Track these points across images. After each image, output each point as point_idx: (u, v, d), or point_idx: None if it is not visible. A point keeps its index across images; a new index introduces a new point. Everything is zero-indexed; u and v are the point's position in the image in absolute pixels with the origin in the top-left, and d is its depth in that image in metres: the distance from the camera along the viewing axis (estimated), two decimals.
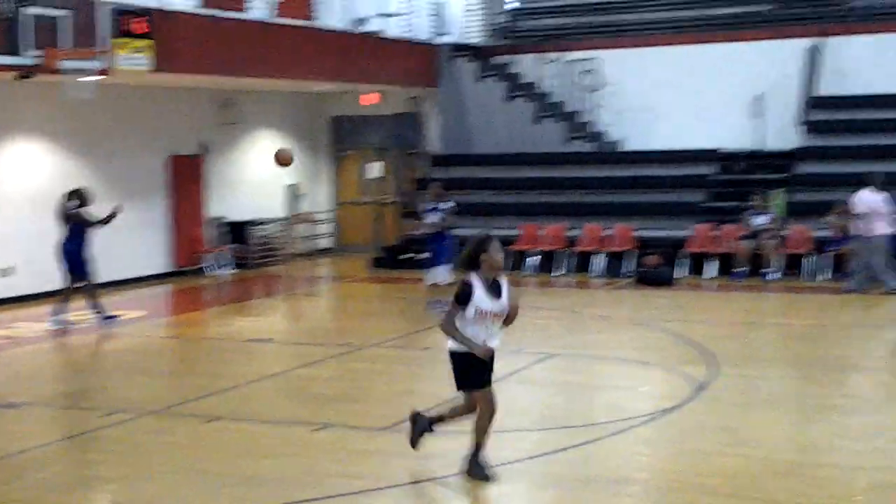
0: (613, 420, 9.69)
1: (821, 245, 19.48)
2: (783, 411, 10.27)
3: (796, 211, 20.37)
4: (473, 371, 7.93)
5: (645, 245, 20.38)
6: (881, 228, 17.60)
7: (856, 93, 22.50)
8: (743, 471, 8.14)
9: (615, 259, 20.59)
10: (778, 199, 20.41)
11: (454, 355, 7.99)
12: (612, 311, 17.01)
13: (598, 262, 20.64)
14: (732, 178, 22.13)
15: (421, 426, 8.40)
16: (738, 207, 20.33)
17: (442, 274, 16.12)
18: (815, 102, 22.42)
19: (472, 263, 7.89)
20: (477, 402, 7.99)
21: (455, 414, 8.25)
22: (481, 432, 8.00)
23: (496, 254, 7.87)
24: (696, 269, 19.95)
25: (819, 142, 22.12)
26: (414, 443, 8.43)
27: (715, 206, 21.35)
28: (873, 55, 22.54)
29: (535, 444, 9.13)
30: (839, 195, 19.57)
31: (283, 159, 13.59)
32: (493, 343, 7.96)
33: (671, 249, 20.09)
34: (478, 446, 8.03)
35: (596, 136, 24.30)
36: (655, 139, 23.48)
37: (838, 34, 22.94)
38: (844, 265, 18.88)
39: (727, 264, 19.73)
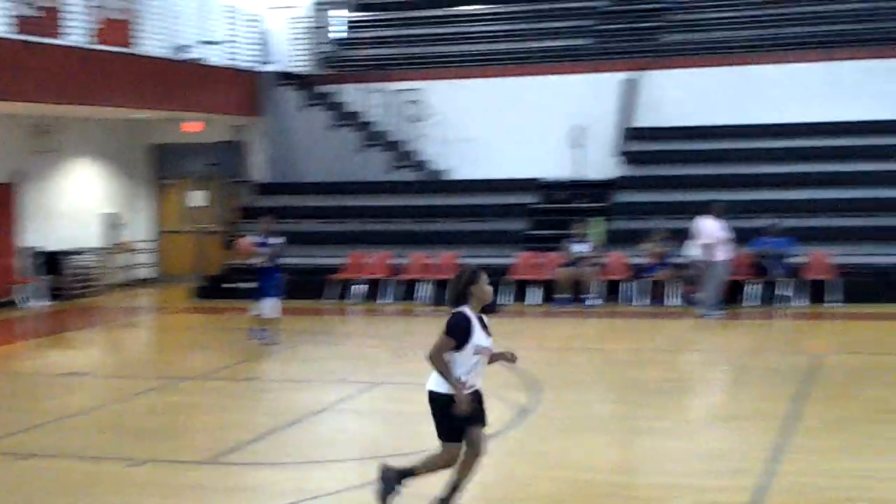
0: (437, 448, 9.65)
1: (638, 271, 20.02)
2: (604, 434, 10.45)
3: (615, 239, 20.90)
4: (458, 417, 7.31)
5: None
6: (721, 254, 18.22)
7: (670, 125, 23.28)
8: (562, 494, 8.23)
9: (441, 287, 20.68)
10: (597, 227, 20.91)
11: (437, 398, 7.35)
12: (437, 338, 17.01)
13: (424, 290, 20.72)
14: (554, 206, 22.56)
15: (388, 483, 7.60)
16: (559, 235, 20.73)
17: (270, 308, 15.59)
18: (632, 134, 23.11)
19: (460, 297, 7.41)
20: (448, 452, 7.40)
21: (431, 467, 7.56)
22: (463, 476, 7.46)
23: (486, 286, 7.47)
24: (520, 295, 20.23)
25: (636, 172, 22.79)
26: (383, 501, 7.59)
27: (537, 234, 21.73)
28: (686, 89, 23.37)
29: (360, 474, 9.02)
30: (656, 223, 20.26)
31: None
32: (479, 382, 7.48)
33: (495, 277, 20.25)
34: (454, 489, 7.46)
35: (421, 166, 24.47)
36: (479, 169, 23.77)
37: (653, 68, 23.73)
38: (660, 291, 19.47)
39: (550, 291, 20.07)
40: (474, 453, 7.43)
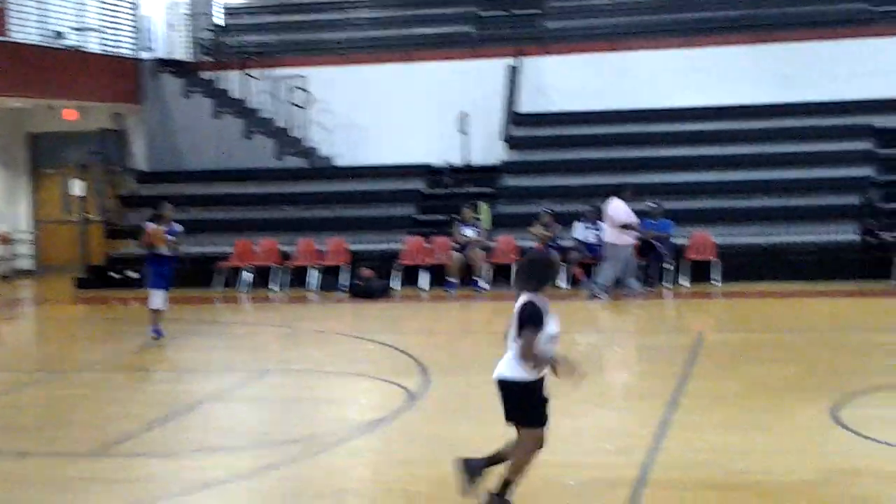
0: (328, 433, 9.66)
1: (526, 254, 20.18)
2: (494, 417, 10.50)
3: (502, 223, 21.08)
4: (542, 404, 7.15)
5: (359, 259, 20.54)
6: (630, 237, 18.51)
7: (554, 110, 23.54)
8: (452, 477, 8.27)
9: (330, 273, 20.63)
10: (485, 211, 21.06)
11: (524, 386, 7.03)
12: (327, 324, 17.00)
13: (314, 277, 20.63)
14: (441, 191, 22.66)
15: (472, 472, 7.33)
16: (447, 220, 20.83)
17: (159, 300, 15.10)
18: (517, 119, 23.32)
19: (537, 283, 7.09)
20: (534, 438, 7.16)
21: (523, 460, 7.22)
22: (518, 470, 7.19)
23: (556, 271, 7.30)
24: (410, 280, 20.27)
25: (521, 156, 23.02)
26: (471, 485, 7.31)
27: (426, 220, 21.81)
28: (569, 74, 23.66)
29: (250, 461, 8.97)
30: (542, 207, 20.49)
31: None
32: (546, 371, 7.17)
33: (385, 262, 20.34)
34: (507, 484, 7.18)
35: (308, 152, 24.33)
36: (366, 155, 23.76)
37: (536, 54, 23.96)
38: None
39: (440, 275, 20.16)
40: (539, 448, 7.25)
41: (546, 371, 7.07)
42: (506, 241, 20.52)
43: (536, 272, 7.15)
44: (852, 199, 20.37)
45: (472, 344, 15.47)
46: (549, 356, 6.98)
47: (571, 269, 19.69)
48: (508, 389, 7.07)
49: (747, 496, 7.45)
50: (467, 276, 19.93)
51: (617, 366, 13.38)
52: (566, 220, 20.10)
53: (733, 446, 8.76)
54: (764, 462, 8.26)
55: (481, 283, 19.86)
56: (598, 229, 19.68)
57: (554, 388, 11.36)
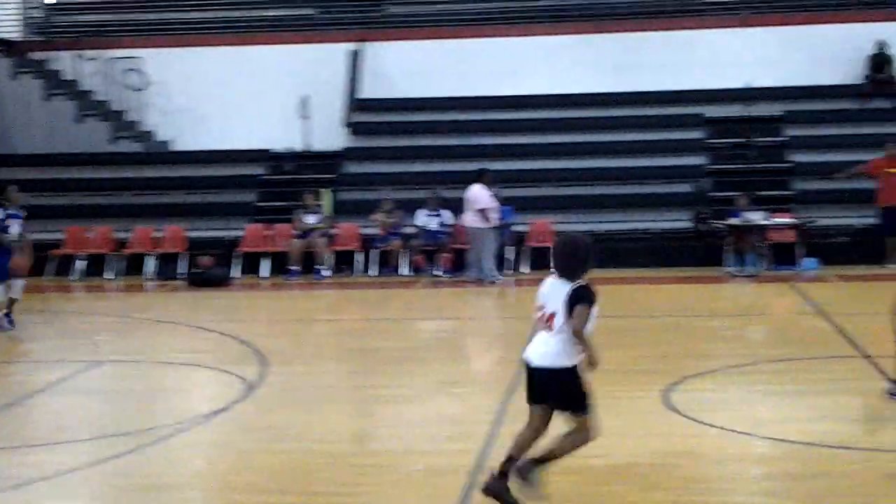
0: (164, 425, 9.43)
1: (368, 242, 20.16)
2: (334, 405, 10.46)
3: (344, 210, 20.98)
4: (588, 388, 6.95)
5: (198, 246, 20.15)
6: (493, 222, 18.64)
7: (397, 96, 23.52)
8: (287, 466, 8.18)
9: (168, 261, 20.19)
10: (327, 198, 20.91)
11: (572, 371, 6.88)
12: (165, 313, 16.63)
13: (151, 265, 20.15)
14: (283, 178, 22.41)
15: (527, 476, 6.94)
16: (289, 207, 20.60)
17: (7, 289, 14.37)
18: (359, 105, 23.22)
19: (580, 268, 6.96)
20: (585, 424, 6.98)
21: (574, 445, 7.01)
22: (563, 451, 7.01)
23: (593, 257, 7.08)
24: (251, 268, 20.00)
25: (363, 143, 22.93)
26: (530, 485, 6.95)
27: (267, 206, 21.54)
28: (411, 60, 23.66)
29: (85, 454, 8.68)
30: (384, 193, 20.48)
31: None
32: None
33: (225, 250, 20.01)
34: (545, 460, 6.94)
35: (144, 136, 23.74)
36: (205, 139, 23.31)
37: (378, 40, 23.88)
38: (392, 260, 19.73)
39: (281, 263, 19.93)
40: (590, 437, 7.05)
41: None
42: (348, 229, 20.42)
43: (574, 259, 6.99)
44: (685, 188, 20.95)
45: (315, 332, 15.35)
46: (590, 342, 6.85)
47: (413, 257, 19.74)
48: (558, 377, 6.88)
49: (582, 480, 7.56)
50: (309, 264, 19.77)
51: (459, 352, 13.45)
52: (409, 207, 20.12)
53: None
54: (598, 446, 8.36)
55: (323, 271, 19.72)
56: (440, 216, 19.79)
57: (398, 377, 11.39)
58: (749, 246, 18.94)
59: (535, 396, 6.98)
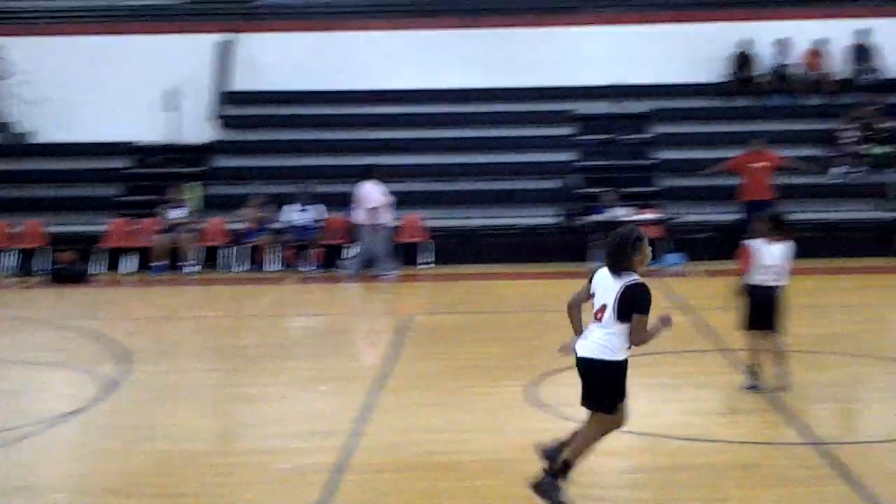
0: (23, 425, 9.11)
1: (237, 237, 19.87)
2: (197, 404, 10.26)
3: (212, 204, 20.64)
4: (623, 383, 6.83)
5: (58, 241, 19.59)
6: (384, 218, 18.51)
7: (267, 88, 23.23)
8: (150, 467, 7.99)
9: (27, 256, 19.60)
10: (194, 192, 20.53)
11: (617, 365, 6.75)
12: (23, 311, 16.15)
13: (9, 260, 19.53)
14: (148, 171, 21.95)
15: (551, 489, 6.79)
16: (154, 201, 20.18)
17: None
18: (229, 97, 22.87)
19: (629, 262, 6.77)
20: (612, 421, 6.84)
21: (593, 439, 6.88)
22: (582, 452, 6.88)
23: (648, 247, 6.86)
24: (114, 264, 19.53)
25: (233, 136, 22.61)
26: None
27: (131, 200, 21.08)
28: (283, 52, 23.41)
29: None
30: (253, 188, 20.22)
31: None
32: None
33: (86, 245, 19.49)
34: (568, 465, 6.82)
35: (2, 127, 22.99)
36: (67, 131, 22.65)
37: (249, 31, 23.56)
38: (260, 256, 19.49)
39: (145, 259, 19.50)
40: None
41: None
42: (216, 223, 20.08)
43: (622, 252, 6.80)
44: (554, 184, 21.15)
45: (180, 329, 15.04)
46: (654, 333, 6.74)
47: (283, 252, 19.53)
48: (599, 370, 6.74)
49: (444, 476, 7.54)
50: (175, 260, 19.39)
51: (325, 349, 13.32)
52: (279, 202, 19.90)
53: (434, 427, 8.87)
54: (462, 442, 8.40)
55: (189, 267, 19.36)
56: (310, 211, 19.64)
57: (263, 375, 11.22)
58: None
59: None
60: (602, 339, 6.75)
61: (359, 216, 18.72)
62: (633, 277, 6.74)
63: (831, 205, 20.35)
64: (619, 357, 6.74)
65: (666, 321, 6.81)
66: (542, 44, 23.48)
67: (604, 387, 6.76)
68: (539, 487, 6.81)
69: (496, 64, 23.25)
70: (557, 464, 6.84)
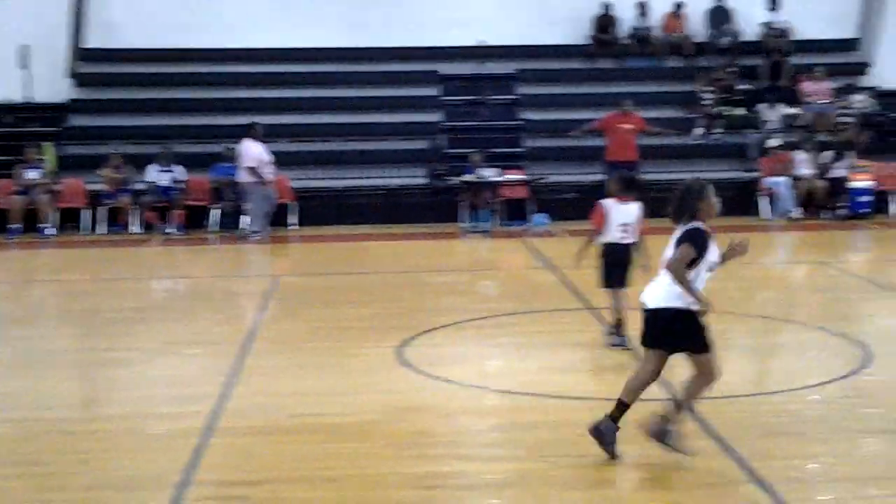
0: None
1: (96, 198, 19.39)
2: (59, 370, 10.00)
3: (69, 164, 20.08)
4: (705, 328, 6.69)
5: None
6: (266, 177, 18.37)
7: (125, 46, 22.64)
8: (10, 436, 7.77)
9: None
10: (49, 152, 19.95)
11: (682, 314, 6.63)
12: None
13: None
14: (2, 131, 21.22)
15: (662, 431, 6.81)
16: (9, 161, 19.55)
17: None
18: (84, 55, 22.23)
19: (692, 213, 6.68)
20: (706, 363, 6.73)
21: (700, 388, 6.81)
22: (691, 395, 6.84)
23: (714, 199, 6.74)
24: None
25: (89, 94, 21.99)
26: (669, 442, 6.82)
27: None
28: (141, 9, 22.82)
29: None
30: (112, 148, 19.74)
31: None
32: None
33: None
34: (679, 408, 6.83)
35: None
36: None
37: None
38: (122, 218, 19.08)
39: (1, 221, 18.90)
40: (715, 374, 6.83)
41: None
42: (73, 184, 19.56)
43: (684, 203, 6.76)
44: (421, 145, 21.18)
45: (38, 294, 14.65)
46: (696, 288, 6.62)
47: (144, 214, 19.15)
48: (668, 319, 6.70)
49: (313, 438, 7.51)
50: (32, 222, 18.84)
51: (191, 312, 13.13)
52: (140, 163, 19.47)
53: (302, 389, 8.82)
54: (331, 403, 8.38)
55: (47, 230, 18.84)
56: (172, 172, 19.29)
57: (126, 339, 10.99)
58: (483, 202, 19.37)
59: (644, 339, 6.91)
60: (663, 287, 6.77)
61: (241, 175, 18.51)
62: (695, 224, 6.76)
63: (693, 165, 20.80)
64: (682, 304, 6.70)
65: (741, 248, 6.93)
66: (408, 4, 23.38)
67: (679, 332, 6.76)
68: (658, 436, 6.85)
69: (360, 24, 23.09)
70: (673, 409, 6.88)
